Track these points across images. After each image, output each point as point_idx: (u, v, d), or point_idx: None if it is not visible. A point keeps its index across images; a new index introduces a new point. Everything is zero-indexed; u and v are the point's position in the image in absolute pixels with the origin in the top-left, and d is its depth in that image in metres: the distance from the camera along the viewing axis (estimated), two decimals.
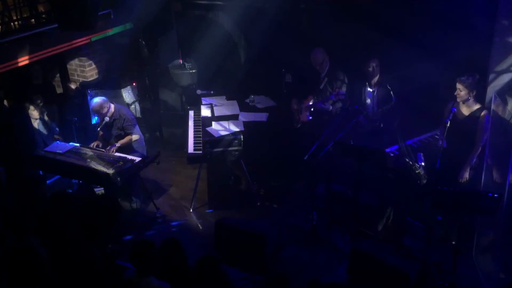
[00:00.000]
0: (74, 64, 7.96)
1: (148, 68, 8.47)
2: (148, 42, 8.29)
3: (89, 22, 5.31)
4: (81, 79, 7.96)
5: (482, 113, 5.20)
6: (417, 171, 5.04)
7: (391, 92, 5.81)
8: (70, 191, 6.78)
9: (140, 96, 8.37)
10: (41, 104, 7.18)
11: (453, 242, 4.78)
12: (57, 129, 7.31)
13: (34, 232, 4.01)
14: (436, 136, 5.70)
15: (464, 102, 5.28)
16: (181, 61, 7.97)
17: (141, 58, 8.35)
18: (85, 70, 7.90)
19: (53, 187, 6.73)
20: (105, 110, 6.22)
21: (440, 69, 5.81)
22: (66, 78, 8.05)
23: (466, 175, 5.28)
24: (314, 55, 6.55)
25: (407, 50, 5.98)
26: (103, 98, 6.25)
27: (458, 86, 5.22)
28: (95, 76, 8.05)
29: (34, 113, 6.90)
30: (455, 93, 5.25)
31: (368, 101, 6.29)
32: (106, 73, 8.21)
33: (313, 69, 6.66)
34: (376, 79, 6.19)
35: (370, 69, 6.13)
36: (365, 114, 6.06)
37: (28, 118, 6.74)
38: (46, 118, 7.18)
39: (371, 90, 6.25)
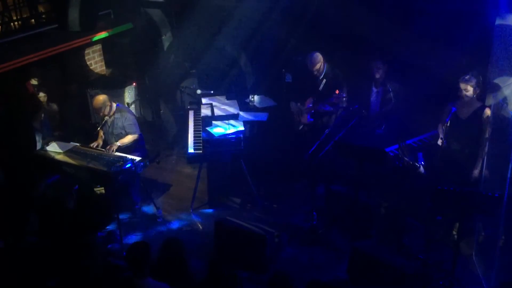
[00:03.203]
0: (74, 64, 7.95)
1: (149, 68, 8.47)
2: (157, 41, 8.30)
3: (90, 22, 5.32)
4: (81, 79, 7.96)
5: (486, 110, 5.20)
6: (417, 171, 5.03)
7: (391, 94, 5.82)
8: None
9: (140, 96, 8.37)
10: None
11: (453, 242, 4.77)
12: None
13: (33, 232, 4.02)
14: (435, 136, 5.70)
15: (467, 101, 5.27)
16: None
17: (157, 56, 8.34)
18: (85, 70, 7.90)
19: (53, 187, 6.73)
20: (107, 108, 6.21)
21: (440, 68, 5.81)
22: (66, 78, 8.04)
23: (477, 173, 5.28)
24: (310, 60, 6.50)
25: (407, 50, 5.98)
26: (105, 96, 6.25)
27: (464, 86, 5.20)
28: (96, 76, 8.05)
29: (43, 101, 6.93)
30: (462, 94, 5.22)
31: (372, 100, 6.30)
32: (107, 72, 8.21)
33: (310, 71, 6.65)
34: (380, 80, 6.20)
35: (375, 69, 6.15)
36: (364, 114, 6.07)
37: (28, 116, 6.73)
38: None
39: (375, 90, 6.26)
